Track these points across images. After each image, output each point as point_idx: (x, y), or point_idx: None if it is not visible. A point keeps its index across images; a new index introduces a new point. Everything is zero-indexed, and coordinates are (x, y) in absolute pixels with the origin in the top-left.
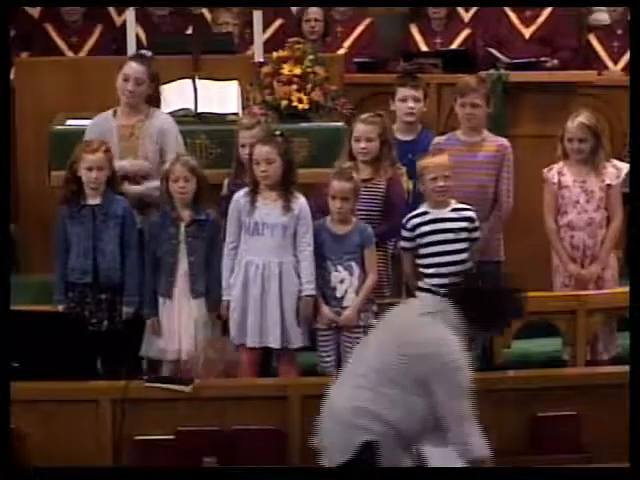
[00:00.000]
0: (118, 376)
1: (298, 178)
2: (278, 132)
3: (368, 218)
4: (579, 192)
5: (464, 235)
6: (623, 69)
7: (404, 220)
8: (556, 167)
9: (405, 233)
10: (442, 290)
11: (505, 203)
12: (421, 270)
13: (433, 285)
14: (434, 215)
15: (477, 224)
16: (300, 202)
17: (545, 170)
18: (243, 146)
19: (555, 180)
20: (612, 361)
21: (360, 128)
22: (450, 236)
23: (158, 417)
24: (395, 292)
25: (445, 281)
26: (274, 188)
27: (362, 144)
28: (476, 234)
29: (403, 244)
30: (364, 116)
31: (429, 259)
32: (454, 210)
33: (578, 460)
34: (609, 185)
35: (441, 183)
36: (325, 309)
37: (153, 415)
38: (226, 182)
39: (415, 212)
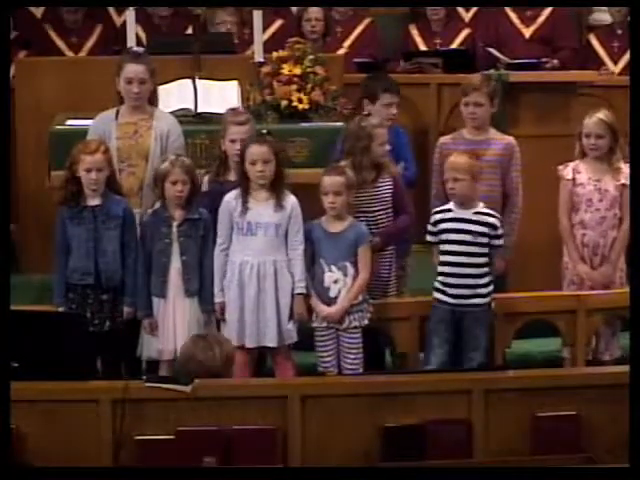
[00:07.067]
0: (118, 376)
1: (294, 178)
2: (265, 131)
3: (385, 217)
4: (592, 190)
5: (484, 240)
6: (623, 69)
7: (431, 214)
8: (572, 164)
9: (429, 227)
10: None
11: (515, 202)
12: (438, 268)
13: (442, 284)
14: (456, 214)
15: (500, 232)
16: (291, 200)
17: (560, 167)
18: (233, 141)
19: (570, 177)
20: (612, 361)
21: (381, 132)
22: (468, 238)
23: (158, 417)
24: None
25: (450, 281)
26: (267, 187)
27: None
28: (498, 242)
29: (428, 237)
30: (378, 121)
31: (444, 257)
32: (477, 213)
33: (578, 460)
34: (624, 185)
35: (450, 185)
36: (318, 304)
37: (153, 415)
38: (206, 179)
39: (441, 208)
